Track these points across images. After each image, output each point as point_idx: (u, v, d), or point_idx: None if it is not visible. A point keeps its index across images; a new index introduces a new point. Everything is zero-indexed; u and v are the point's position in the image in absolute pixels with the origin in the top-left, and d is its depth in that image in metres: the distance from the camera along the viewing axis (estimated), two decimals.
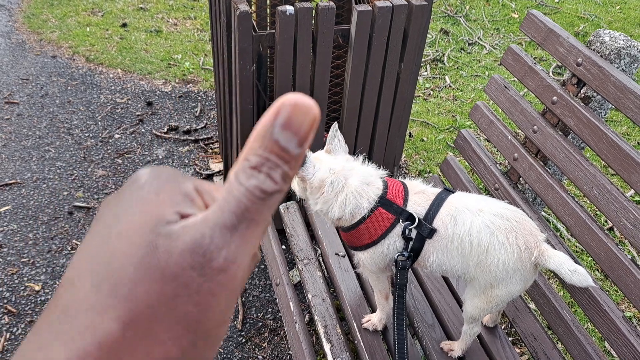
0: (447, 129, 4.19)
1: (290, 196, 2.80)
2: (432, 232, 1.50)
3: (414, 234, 1.52)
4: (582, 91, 1.80)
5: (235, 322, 2.64)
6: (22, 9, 5.53)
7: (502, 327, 1.86)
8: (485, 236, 1.45)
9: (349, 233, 1.60)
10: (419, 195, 1.57)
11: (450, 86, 4.89)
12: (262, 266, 2.90)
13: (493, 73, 5.09)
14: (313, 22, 2.34)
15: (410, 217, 1.52)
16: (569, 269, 1.42)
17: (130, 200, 0.33)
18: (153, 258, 0.29)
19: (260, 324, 2.65)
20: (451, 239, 1.49)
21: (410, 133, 4.08)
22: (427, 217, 1.52)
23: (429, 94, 4.74)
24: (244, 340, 2.56)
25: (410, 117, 4.27)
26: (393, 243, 1.54)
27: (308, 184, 1.56)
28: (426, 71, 5.10)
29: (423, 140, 4.04)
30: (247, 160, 0.32)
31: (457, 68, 5.20)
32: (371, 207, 1.53)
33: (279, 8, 2.26)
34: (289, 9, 2.26)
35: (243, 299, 2.74)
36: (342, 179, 1.53)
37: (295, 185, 1.65)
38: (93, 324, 0.28)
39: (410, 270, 1.89)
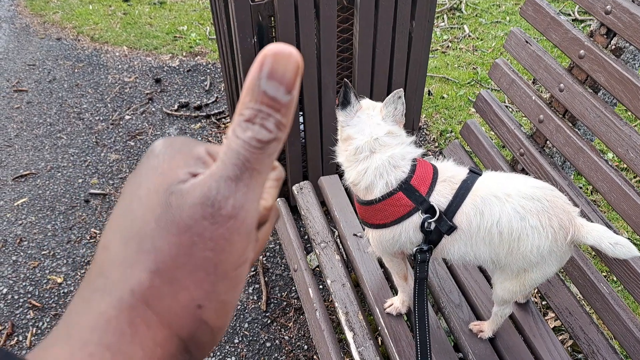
0: (468, 83, 3.99)
1: (305, 175, 2.70)
2: (452, 229, 1.38)
3: (432, 227, 1.40)
4: (612, 42, 1.62)
5: (259, 304, 2.59)
6: None
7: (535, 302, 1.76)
8: (516, 223, 1.32)
9: (363, 207, 1.49)
10: (445, 184, 1.42)
11: (469, 36, 4.64)
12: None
13: (515, 18, 4.82)
14: None
15: (430, 209, 1.39)
16: (610, 242, 1.29)
17: (147, 169, 0.36)
18: (168, 214, 0.33)
19: (285, 303, 2.59)
20: (477, 231, 1.36)
21: (429, 91, 3.89)
22: (449, 210, 1.39)
23: (448, 46, 4.52)
24: (269, 322, 2.51)
25: (429, 74, 4.08)
26: (406, 232, 1.42)
27: (339, 125, 1.47)
28: (443, 22, 4.85)
29: (443, 97, 3.85)
30: (241, 115, 0.34)
31: (476, 15, 4.93)
32: (387, 191, 1.41)
33: None
34: None
35: (266, 279, 2.69)
36: (367, 150, 1.42)
37: (339, 115, 1.53)
38: (125, 275, 0.33)
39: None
